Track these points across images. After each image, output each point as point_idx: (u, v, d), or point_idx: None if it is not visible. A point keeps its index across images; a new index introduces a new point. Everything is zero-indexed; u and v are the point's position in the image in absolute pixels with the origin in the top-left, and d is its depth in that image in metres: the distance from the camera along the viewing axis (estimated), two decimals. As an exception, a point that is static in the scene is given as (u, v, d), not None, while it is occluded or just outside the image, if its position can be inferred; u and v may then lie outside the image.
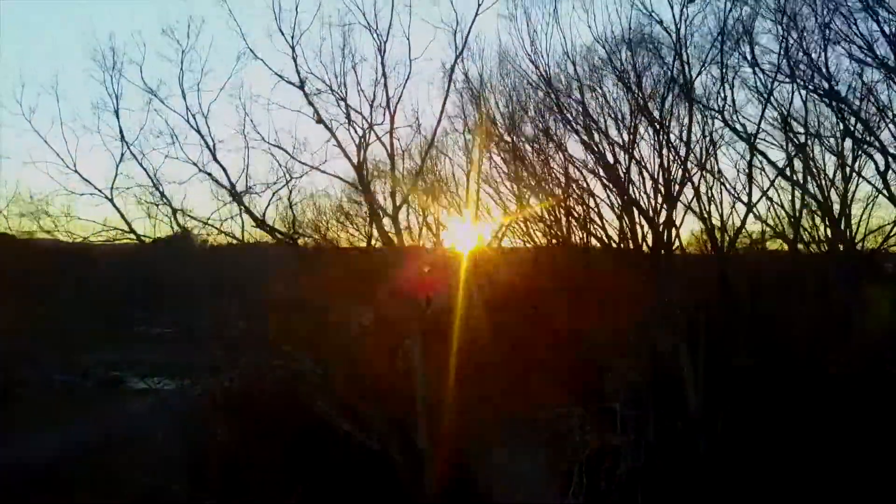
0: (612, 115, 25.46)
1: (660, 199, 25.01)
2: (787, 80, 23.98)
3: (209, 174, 22.62)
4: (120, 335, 40.41)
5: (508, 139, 27.83)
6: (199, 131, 22.06)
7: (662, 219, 25.09)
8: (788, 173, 25.98)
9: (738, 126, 25.23)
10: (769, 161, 25.68)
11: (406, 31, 21.72)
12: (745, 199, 25.97)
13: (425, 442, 21.36)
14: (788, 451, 21.07)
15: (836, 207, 26.08)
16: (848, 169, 25.76)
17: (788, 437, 21.40)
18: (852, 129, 24.16)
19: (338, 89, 21.94)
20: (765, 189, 26.54)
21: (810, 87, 23.71)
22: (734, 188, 26.44)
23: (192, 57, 21.42)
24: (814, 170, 25.67)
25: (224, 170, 22.58)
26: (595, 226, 27.83)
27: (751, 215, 26.32)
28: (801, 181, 25.93)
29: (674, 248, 25.53)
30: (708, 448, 22.50)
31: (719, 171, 26.35)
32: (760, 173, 26.60)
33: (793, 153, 25.49)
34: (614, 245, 27.14)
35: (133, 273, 30.81)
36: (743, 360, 22.96)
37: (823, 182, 25.89)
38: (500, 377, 23.00)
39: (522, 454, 20.80)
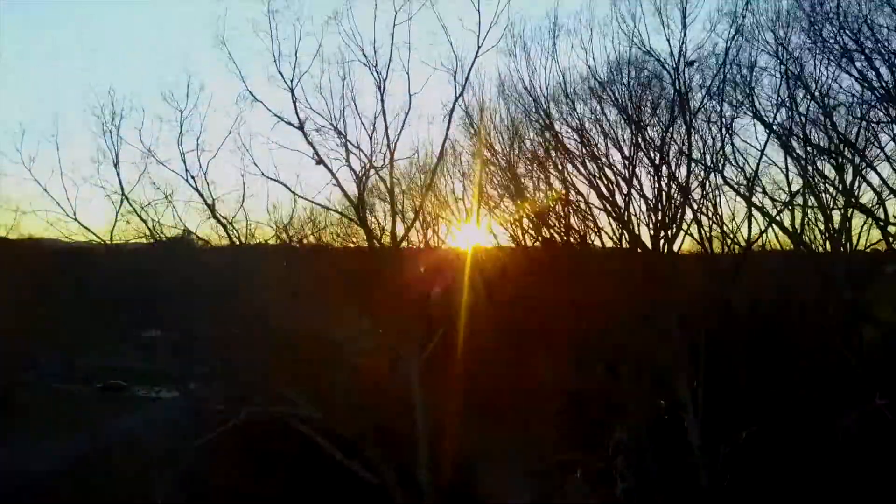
0: (614, 143, 25.03)
1: (658, 224, 24.72)
2: (786, 133, 24.07)
3: (207, 241, 23.73)
4: (120, 338, 40.35)
5: (507, 166, 27.74)
6: (198, 190, 22.55)
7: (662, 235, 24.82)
8: (789, 205, 25.81)
9: (735, 177, 25.36)
10: (768, 216, 25.56)
11: (406, 65, 21.74)
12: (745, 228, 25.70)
13: (425, 476, 21.16)
14: (790, 483, 20.45)
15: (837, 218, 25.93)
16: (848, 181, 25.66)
17: (790, 469, 20.73)
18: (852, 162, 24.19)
19: (337, 124, 22.02)
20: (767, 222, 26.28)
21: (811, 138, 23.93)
22: (732, 230, 26.50)
23: (192, 114, 22.04)
24: (812, 181, 25.54)
25: (224, 226, 23.16)
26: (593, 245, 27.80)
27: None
28: (802, 196, 25.69)
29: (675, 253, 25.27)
30: (710, 482, 21.75)
31: (719, 211, 26.35)
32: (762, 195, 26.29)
33: (789, 198, 25.56)
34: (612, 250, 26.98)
35: (133, 274, 30.83)
36: (744, 423, 22.43)
37: (825, 197, 25.84)
38: (503, 415, 22.84)
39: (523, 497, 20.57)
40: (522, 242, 29.05)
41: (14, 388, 37.48)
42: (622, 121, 24.72)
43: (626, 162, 24.68)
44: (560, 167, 26.65)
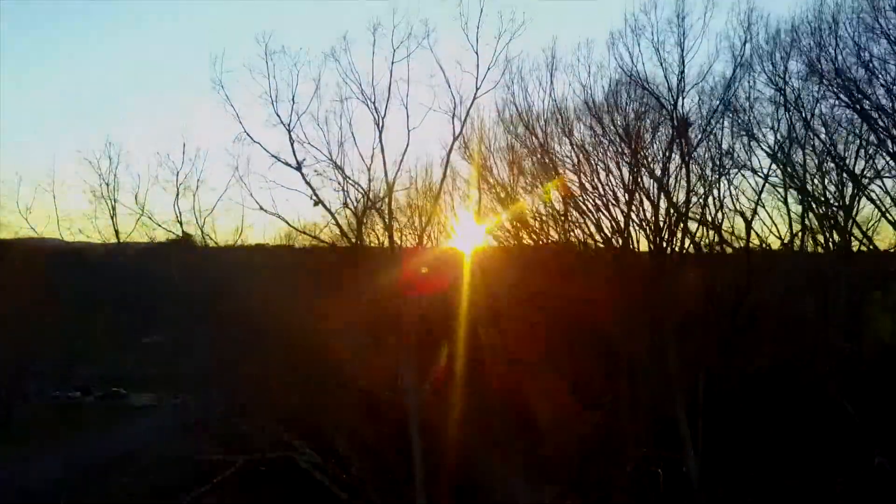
0: (614, 169, 24.76)
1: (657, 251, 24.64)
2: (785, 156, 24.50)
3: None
4: (121, 344, 40.02)
5: (505, 195, 27.66)
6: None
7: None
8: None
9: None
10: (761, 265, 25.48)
11: (404, 100, 21.46)
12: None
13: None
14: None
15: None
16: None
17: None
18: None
19: (336, 158, 21.75)
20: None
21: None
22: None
23: (190, 174, 21.87)
24: (814, 196, 25.72)
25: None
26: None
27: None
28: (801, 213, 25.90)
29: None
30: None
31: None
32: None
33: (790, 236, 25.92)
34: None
35: (134, 276, 30.69)
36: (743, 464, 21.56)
37: (826, 212, 25.95)
38: (503, 451, 22.56)
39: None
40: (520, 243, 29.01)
41: (13, 398, 37.34)
42: (619, 143, 24.51)
43: (626, 188, 24.52)
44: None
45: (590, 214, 25.78)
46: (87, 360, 40.32)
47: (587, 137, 25.03)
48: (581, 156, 25.01)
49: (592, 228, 26.25)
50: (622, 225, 24.72)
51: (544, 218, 28.14)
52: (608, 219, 25.16)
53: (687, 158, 23.39)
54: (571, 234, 27.73)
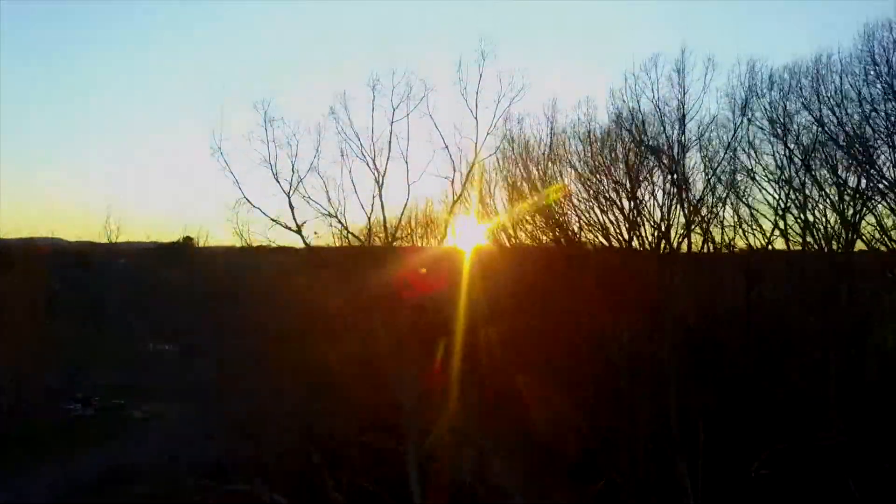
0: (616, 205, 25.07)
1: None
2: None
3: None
4: (123, 350, 39.63)
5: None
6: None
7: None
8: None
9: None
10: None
11: (404, 153, 21.62)
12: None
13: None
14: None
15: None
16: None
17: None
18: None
19: (337, 211, 21.63)
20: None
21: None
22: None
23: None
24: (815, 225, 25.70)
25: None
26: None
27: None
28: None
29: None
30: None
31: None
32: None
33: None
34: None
35: (136, 280, 30.51)
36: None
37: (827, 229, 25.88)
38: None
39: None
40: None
41: (14, 410, 37.05)
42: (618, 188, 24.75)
43: (626, 219, 24.65)
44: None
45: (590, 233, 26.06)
46: (91, 369, 39.87)
47: (587, 169, 25.39)
48: (581, 186, 25.49)
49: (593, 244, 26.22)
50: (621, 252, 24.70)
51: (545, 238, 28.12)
52: (606, 238, 25.37)
53: (688, 211, 23.59)
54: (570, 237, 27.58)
